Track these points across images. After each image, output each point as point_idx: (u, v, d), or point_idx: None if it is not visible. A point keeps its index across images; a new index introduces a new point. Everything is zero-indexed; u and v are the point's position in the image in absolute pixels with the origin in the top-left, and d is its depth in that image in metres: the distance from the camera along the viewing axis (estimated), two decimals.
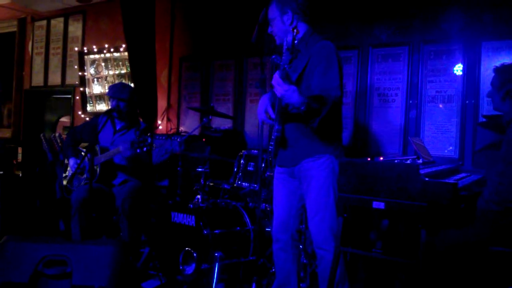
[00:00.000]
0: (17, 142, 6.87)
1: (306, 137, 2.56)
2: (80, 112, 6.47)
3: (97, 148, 3.86)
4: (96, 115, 3.60)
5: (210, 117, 4.05)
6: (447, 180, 2.20)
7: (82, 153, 4.01)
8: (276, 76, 2.15)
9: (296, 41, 2.55)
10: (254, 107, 5.07)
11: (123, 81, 6.01)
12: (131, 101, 3.94)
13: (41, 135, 4.41)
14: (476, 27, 3.90)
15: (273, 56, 2.16)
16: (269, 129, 4.37)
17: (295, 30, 2.16)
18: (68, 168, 4.05)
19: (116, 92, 3.91)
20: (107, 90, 6.21)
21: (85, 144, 3.94)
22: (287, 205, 2.72)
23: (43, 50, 7.04)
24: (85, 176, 3.87)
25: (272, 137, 2.66)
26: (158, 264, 3.57)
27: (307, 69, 2.48)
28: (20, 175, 6.44)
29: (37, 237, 2.67)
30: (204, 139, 4.49)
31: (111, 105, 3.99)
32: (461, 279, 2.39)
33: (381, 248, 2.31)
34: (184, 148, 4.10)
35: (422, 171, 2.23)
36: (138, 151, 3.57)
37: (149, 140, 3.58)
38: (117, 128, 4.01)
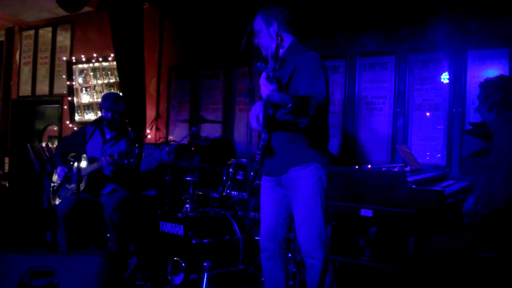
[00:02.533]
0: (4, 152, 6.80)
1: (293, 146, 2.56)
2: (68, 122, 6.43)
3: (85, 158, 3.84)
4: (85, 124, 3.58)
5: (199, 126, 4.05)
6: (434, 188, 2.21)
7: (71, 163, 3.98)
8: (262, 78, 2.17)
9: (282, 51, 2.58)
10: (243, 116, 5.08)
11: (112, 90, 5.99)
12: (124, 113, 3.95)
13: (28, 145, 4.38)
14: (462, 36, 3.95)
15: (258, 64, 2.18)
16: (258, 138, 4.39)
17: (279, 38, 2.18)
18: (56, 178, 4.02)
19: (112, 104, 3.89)
20: (95, 100, 6.27)
21: (74, 154, 3.91)
22: (274, 214, 2.71)
23: (31, 59, 7.00)
24: (72, 185, 3.84)
25: (259, 145, 2.66)
26: (146, 274, 3.54)
27: (294, 78, 2.50)
28: (7, 185, 6.36)
29: (23, 248, 2.64)
30: (193, 148, 4.48)
31: (105, 116, 3.95)
32: (449, 286, 2.40)
33: (369, 256, 2.31)
34: (174, 157, 4.09)
35: (409, 179, 2.24)
36: (125, 161, 3.58)
37: (136, 151, 3.59)
38: (107, 138, 4.00)
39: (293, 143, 2.56)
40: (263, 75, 2.16)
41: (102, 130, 4.00)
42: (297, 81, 2.40)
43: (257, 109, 2.64)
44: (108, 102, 3.90)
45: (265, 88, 2.20)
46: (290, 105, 2.26)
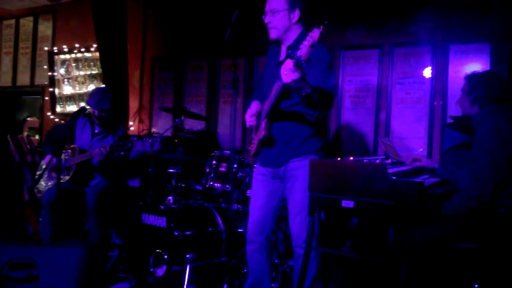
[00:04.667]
0: None
1: (295, 137, 2.57)
2: (49, 113, 6.34)
3: (76, 148, 3.81)
4: (76, 115, 3.54)
5: (182, 118, 4.03)
6: (414, 179, 2.24)
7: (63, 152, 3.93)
8: (290, 62, 2.10)
9: (292, 39, 2.57)
10: (227, 108, 5.07)
11: (95, 82, 5.92)
12: (113, 109, 3.90)
13: (8, 136, 4.30)
14: (444, 30, 4.00)
15: (290, 51, 2.11)
16: (244, 130, 4.38)
17: (321, 27, 2.09)
18: (43, 165, 3.98)
19: (98, 103, 3.84)
20: (77, 91, 6.19)
21: (71, 145, 3.87)
22: (266, 207, 2.71)
23: (11, 49, 6.89)
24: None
25: (255, 135, 2.66)
26: (128, 266, 3.52)
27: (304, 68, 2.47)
28: None
29: (2, 239, 2.60)
30: (176, 140, 4.46)
31: (91, 113, 3.92)
32: (430, 276, 2.44)
33: (350, 247, 2.33)
34: (159, 148, 4.08)
35: (390, 171, 2.26)
36: (116, 154, 3.57)
37: (129, 145, 3.57)
38: (96, 131, 3.97)
39: (295, 134, 2.57)
40: (290, 61, 2.09)
41: (92, 123, 3.97)
42: (307, 71, 2.37)
43: (253, 108, 2.65)
44: (93, 101, 3.85)
45: (292, 73, 2.12)
46: (309, 91, 2.22)
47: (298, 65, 2.05)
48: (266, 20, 2.63)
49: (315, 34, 2.03)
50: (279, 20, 2.59)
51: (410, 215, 2.26)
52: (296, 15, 2.58)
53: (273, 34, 2.63)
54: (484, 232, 2.38)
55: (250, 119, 2.67)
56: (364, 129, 4.29)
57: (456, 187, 2.59)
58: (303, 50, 2.05)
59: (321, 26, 2.04)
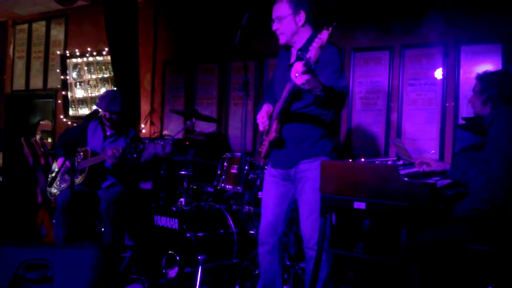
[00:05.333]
0: None
1: (306, 139, 2.58)
2: (62, 116, 6.40)
3: (89, 150, 3.84)
4: (88, 118, 3.57)
5: (193, 120, 4.05)
6: (426, 181, 2.23)
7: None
8: (299, 64, 2.12)
9: (302, 42, 2.59)
10: (237, 110, 5.09)
11: (106, 85, 5.97)
12: (123, 111, 3.93)
13: (22, 139, 4.36)
14: (455, 31, 3.98)
15: (299, 53, 2.13)
16: (254, 132, 4.39)
17: (330, 28, 2.11)
18: (55, 168, 4.02)
19: (108, 105, 3.86)
20: (90, 94, 6.25)
21: (83, 148, 3.91)
22: (278, 209, 2.71)
23: (24, 54, 6.96)
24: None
25: (266, 137, 2.67)
26: (141, 268, 3.55)
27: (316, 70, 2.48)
28: (1, 179, 6.35)
29: (17, 241, 2.64)
30: (187, 142, 4.48)
31: (102, 116, 3.95)
32: (442, 278, 2.43)
33: (362, 248, 2.33)
34: (171, 151, 4.10)
35: (402, 172, 2.26)
36: (129, 156, 3.59)
37: (141, 147, 3.59)
38: (108, 134, 4.00)
39: (305, 135, 2.57)
40: (299, 63, 2.11)
41: (104, 126, 4.01)
42: (317, 73, 2.38)
43: (264, 110, 2.66)
44: (104, 103, 3.87)
45: (303, 75, 2.13)
46: (319, 93, 2.23)
47: (307, 67, 2.07)
48: (273, 28, 2.67)
49: (323, 35, 2.05)
50: (286, 25, 2.62)
51: (422, 216, 2.26)
52: (302, 17, 2.60)
53: (282, 40, 2.67)
54: (496, 233, 2.37)
55: (262, 121, 2.67)
56: (375, 131, 4.28)
57: (468, 187, 2.58)
58: (312, 51, 2.06)
59: (330, 28, 2.06)
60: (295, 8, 2.59)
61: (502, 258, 2.34)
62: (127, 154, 3.61)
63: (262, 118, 2.66)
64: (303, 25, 2.61)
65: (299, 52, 2.13)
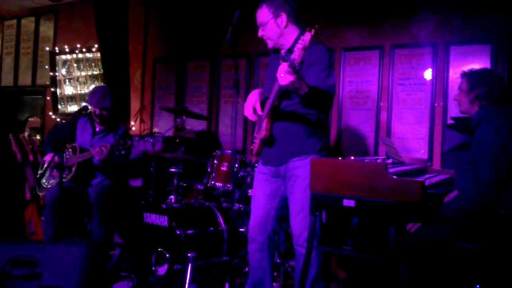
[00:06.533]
0: None
1: (295, 136, 2.59)
2: (51, 113, 6.36)
3: (77, 147, 3.81)
4: (77, 114, 3.53)
5: (184, 118, 4.04)
6: (415, 178, 2.25)
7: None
8: (283, 66, 2.14)
9: (289, 43, 2.60)
10: (228, 108, 5.09)
11: (96, 82, 5.94)
12: (114, 108, 3.90)
13: (10, 135, 4.32)
14: (445, 32, 4.02)
15: (283, 54, 2.17)
16: (245, 129, 4.39)
17: (312, 30, 2.14)
18: (44, 163, 3.99)
19: (99, 101, 3.83)
20: (79, 91, 6.21)
21: (72, 144, 3.88)
22: (267, 206, 2.72)
23: (13, 49, 6.91)
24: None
25: (256, 135, 2.68)
26: (130, 265, 3.53)
27: (302, 70, 2.50)
28: None
29: (4, 238, 2.61)
30: (177, 140, 4.47)
31: (92, 112, 3.92)
32: (431, 276, 2.45)
33: (351, 246, 2.34)
34: (161, 148, 4.08)
35: (391, 170, 2.27)
36: (116, 153, 3.57)
37: (129, 143, 3.57)
38: (97, 130, 3.97)
39: (295, 133, 2.58)
40: (284, 64, 2.13)
41: (93, 122, 3.98)
42: (305, 72, 2.40)
43: (253, 97, 2.65)
44: (94, 99, 3.84)
45: (288, 75, 2.16)
46: (307, 94, 2.26)
47: (292, 68, 2.10)
48: (259, 35, 2.70)
49: (306, 37, 2.08)
50: (269, 30, 2.64)
51: (411, 214, 2.28)
52: (283, 19, 2.61)
53: (269, 44, 2.71)
54: (485, 232, 2.39)
55: (249, 113, 2.65)
56: (365, 130, 4.30)
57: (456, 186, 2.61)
58: (296, 53, 2.10)
59: (312, 30, 2.09)
60: (275, 12, 2.61)
61: (490, 256, 2.37)
62: (115, 151, 3.59)
63: (248, 110, 2.66)
64: (286, 27, 2.62)
65: (283, 54, 2.17)
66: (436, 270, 2.47)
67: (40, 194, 3.92)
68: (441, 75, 4.01)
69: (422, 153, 4.05)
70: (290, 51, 2.52)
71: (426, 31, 4.10)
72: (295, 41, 2.55)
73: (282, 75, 2.15)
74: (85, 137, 3.95)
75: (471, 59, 3.89)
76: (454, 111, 3.89)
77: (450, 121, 3.90)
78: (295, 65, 2.09)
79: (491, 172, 2.37)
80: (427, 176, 2.83)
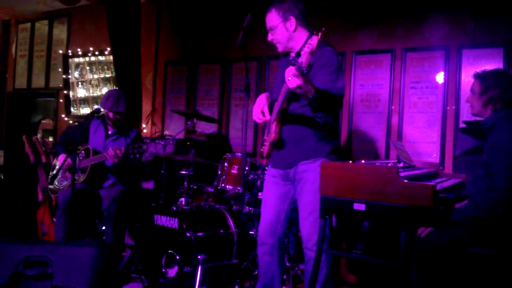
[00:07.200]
0: None
1: (305, 139, 2.59)
2: (63, 115, 6.42)
3: (90, 149, 3.84)
4: (90, 116, 3.57)
5: (195, 121, 4.06)
6: (426, 183, 2.23)
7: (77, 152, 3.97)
8: (291, 70, 2.16)
9: (299, 46, 2.61)
10: (238, 111, 5.10)
11: (108, 85, 5.99)
12: (128, 112, 3.93)
13: (24, 137, 4.37)
14: (457, 35, 3.99)
15: (291, 58, 2.19)
16: (256, 132, 4.41)
17: (319, 34, 2.15)
18: (56, 165, 4.02)
19: (113, 106, 3.85)
20: (91, 94, 6.26)
21: (85, 146, 3.91)
22: (277, 209, 2.72)
23: (27, 52, 6.98)
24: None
25: (266, 137, 2.69)
26: (141, 267, 3.56)
27: (311, 73, 2.51)
28: (2, 177, 6.36)
29: (17, 238, 2.65)
30: (188, 143, 4.49)
31: (106, 116, 3.95)
32: (442, 281, 2.43)
33: (361, 250, 2.33)
34: (171, 151, 4.10)
35: (402, 174, 2.26)
36: (131, 157, 3.60)
37: (144, 148, 3.59)
38: (110, 133, 4.00)
39: (303, 137, 2.59)
40: (292, 68, 2.15)
41: (106, 124, 4.01)
42: (314, 75, 2.40)
43: (261, 101, 2.67)
44: (108, 103, 3.86)
45: (295, 78, 2.17)
46: (315, 97, 2.27)
47: (299, 71, 2.11)
48: (269, 39, 2.72)
49: (313, 41, 2.10)
50: (279, 34, 2.66)
51: (422, 218, 2.26)
52: (292, 23, 2.62)
53: (279, 48, 2.73)
54: (497, 237, 2.36)
55: (257, 116, 2.69)
56: (376, 134, 4.28)
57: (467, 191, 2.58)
58: (304, 57, 2.11)
59: (319, 33, 2.10)
60: (284, 16, 2.62)
61: (503, 261, 2.34)
62: (129, 155, 3.61)
63: (257, 113, 2.68)
64: (295, 30, 2.63)
65: (291, 58, 2.18)
66: (447, 276, 2.45)
67: (53, 195, 3.95)
68: (453, 79, 3.98)
69: (434, 157, 4.01)
70: (298, 54, 2.54)
71: (438, 34, 4.07)
72: (304, 45, 2.56)
73: (289, 78, 2.16)
74: (98, 139, 3.98)
75: (484, 62, 3.85)
76: (466, 114, 3.86)
77: (462, 125, 3.86)
78: (303, 68, 2.10)
79: (506, 180, 2.32)
80: (438, 180, 2.81)
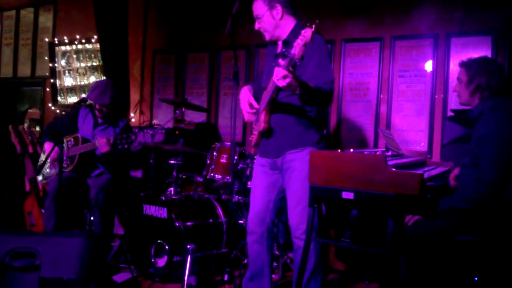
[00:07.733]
0: None
1: (293, 128, 2.59)
2: (50, 104, 6.35)
3: (80, 137, 3.80)
4: (77, 105, 3.50)
5: (183, 110, 4.03)
6: (413, 171, 2.25)
7: (64, 141, 3.93)
8: (280, 70, 2.13)
9: (285, 33, 2.59)
10: (227, 100, 5.08)
11: (95, 73, 5.92)
12: (112, 103, 3.88)
13: (10, 126, 4.31)
14: (446, 23, 3.99)
15: (283, 49, 2.16)
16: (244, 121, 4.38)
17: (313, 26, 2.12)
18: (43, 154, 3.98)
19: (98, 97, 3.80)
20: (79, 83, 6.19)
21: (74, 134, 3.87)
22: (266, 198, 2.72)
23: (12, 40, 6.87)
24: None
25: (255, 126, 2.68)
26: (130, 257, 3.55)
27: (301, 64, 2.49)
28: None
29: (4, 229, 2.62)
30: (177, 132, 4.47)
31: (93, 106, 3.91)
32: (429, 268, 2.46)
33: (349, 237, 2.35)
34: (160, 140, 4.07)
35: (390, 162, 2.27)
36: (119, 147, 3.57)
37: (132, 138, 3.56)
38: (99, 122, 3.96)
39: (291, 126, 2.58)
40: (279, 69, 2.13)
41: (94, 113, 3.97)
42: (303, 65, 2.38)
43: (246, 94, 2.66)
44: (94, 94, 3.82)
45: (283, 80, 2.15)
46: (305, 94, 2.28)
47: (292, 64, 2.09)
48: (256, 27, 2.69)
49: (307, 33, 2.07)
50: (266, 22, 2.63)
51: (409, 206, 2.28)
52: (278, 11, 2.60)
53: (266, 37, 2.70)
54: (483, 225, 2.38)
55: (246, 110, 2.70)
56: (365, 122, 4.29)
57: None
58: (297, 49, 2.08)
59: (313, 25, 2.08)
60: (270, 3, 2.59)
61: (488, 249, 2.36)
62: (118, 145, 3.58)
63: (245, 107, 2.68)
64: (281, 18, 2.61)
65: (283, 49, 2.17)
66: (434, 263, 2.48)
67: (42, 183, 3.92)
68: (441, 67, 3.99)
69: (422, 146, 4.04)
70: (285, 42, 2.52)
71: (426, 22, 4.07)
72: (293, 32, 2.54)
73: (277, 78, 2.16)
74: (86, 128, 3.94)
75: (472, 50, 3.86)
76: (454, 103, 3.88)
77: (450, 114, 3.89)
78: (295, 60, 2.08)
79: (494, 172, 2.31)
80: (426, 168, 2.83)
